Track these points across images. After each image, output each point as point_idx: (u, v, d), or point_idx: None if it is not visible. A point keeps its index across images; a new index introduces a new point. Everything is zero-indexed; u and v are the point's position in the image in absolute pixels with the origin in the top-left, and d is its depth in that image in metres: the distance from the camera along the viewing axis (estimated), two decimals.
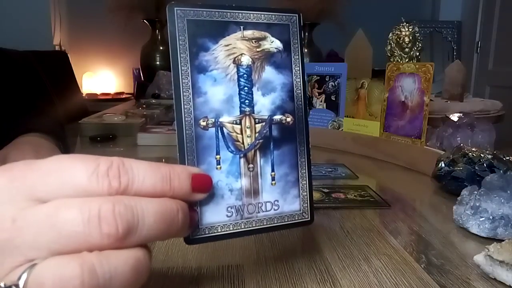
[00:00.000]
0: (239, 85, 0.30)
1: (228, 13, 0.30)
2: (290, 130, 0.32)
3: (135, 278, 0.22)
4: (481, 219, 0.42)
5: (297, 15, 0.32)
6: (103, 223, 0.20)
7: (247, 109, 0.30)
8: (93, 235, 0.20)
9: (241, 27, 0.30)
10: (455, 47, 2.99)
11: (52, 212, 0.20)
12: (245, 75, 0.30)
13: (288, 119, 0.32)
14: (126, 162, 0.23)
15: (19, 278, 0.20)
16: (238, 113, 0.30)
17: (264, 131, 0.31)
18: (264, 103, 0.31)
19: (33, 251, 0.20)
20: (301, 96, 0.32)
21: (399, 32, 0.86)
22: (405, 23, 0.86)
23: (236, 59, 0.30)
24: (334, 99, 0.93)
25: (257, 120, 0.31)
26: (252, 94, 0.30)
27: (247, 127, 0.30)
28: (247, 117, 0.30)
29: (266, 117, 0.31)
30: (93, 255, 0.20)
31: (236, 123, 0.30)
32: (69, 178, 0.21)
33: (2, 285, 0.20)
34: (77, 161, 0.22)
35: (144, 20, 2.15)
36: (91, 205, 0.20)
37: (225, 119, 0.29)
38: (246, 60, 0.30)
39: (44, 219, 0.20)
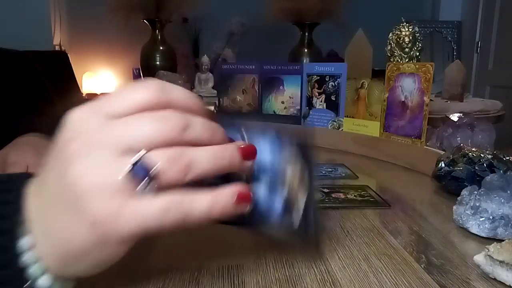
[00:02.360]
0: None
1: None
2: None
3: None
4: (481, 219, 0.42)
5: None
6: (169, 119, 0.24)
7: None
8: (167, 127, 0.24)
9: None
10: (455, 47, 2.99)
11: (130, 119, 0.24)
12: None
13: None
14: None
15: (136, 157, 0.23)
16: None
17: None
18: None
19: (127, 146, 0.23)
20: None
21: (399, 32, 0.85)
22: (405, 23, 0.85)
23: None
24: (334, 99, 0.93)
25: None
26: None
27: None
28: None
29: None
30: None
31: None
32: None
33: (132, 160, 0.23)
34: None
35: (144, 20, 2.15)
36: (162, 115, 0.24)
37: None
38: None
39: (127, 121, 0.24)
